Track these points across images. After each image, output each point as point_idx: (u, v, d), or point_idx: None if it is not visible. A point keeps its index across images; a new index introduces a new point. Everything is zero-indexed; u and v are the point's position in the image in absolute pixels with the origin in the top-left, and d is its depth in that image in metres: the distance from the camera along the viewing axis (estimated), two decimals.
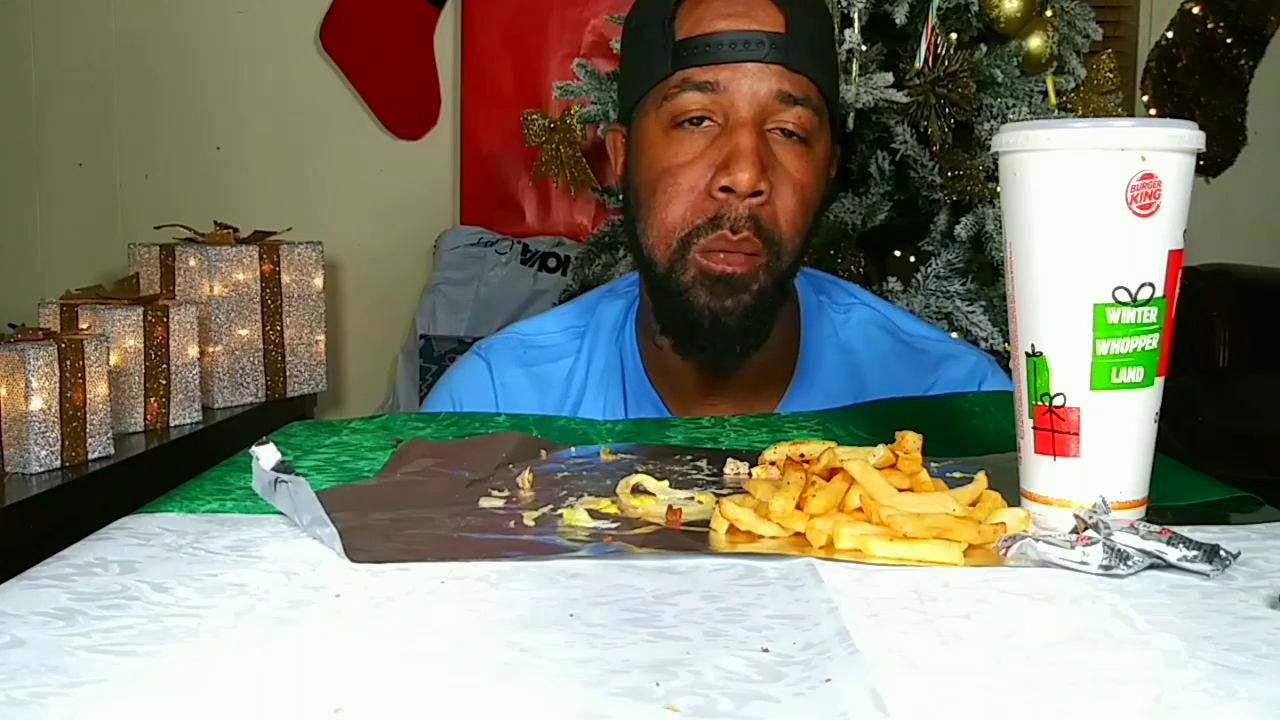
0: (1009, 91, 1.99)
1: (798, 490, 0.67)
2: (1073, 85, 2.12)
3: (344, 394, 3.42)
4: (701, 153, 1.04)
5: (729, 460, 0.84)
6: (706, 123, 1.04)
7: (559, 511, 0.71)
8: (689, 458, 0.87)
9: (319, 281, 2.59)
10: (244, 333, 2.46)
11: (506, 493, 0.76)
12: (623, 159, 1.14)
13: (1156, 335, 0.67)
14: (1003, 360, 1.42)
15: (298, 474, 0.68)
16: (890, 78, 1.90)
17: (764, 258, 1.04)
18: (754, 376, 1.13)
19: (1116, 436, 0.67)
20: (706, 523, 0.69)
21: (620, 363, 1.17)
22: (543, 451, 0.88)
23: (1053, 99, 2.03)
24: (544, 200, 3.37)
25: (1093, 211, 0.66)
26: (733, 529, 0.67)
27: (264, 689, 0.46)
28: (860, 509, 0.66)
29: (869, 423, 0.98)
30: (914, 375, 1.16)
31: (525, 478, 0.79)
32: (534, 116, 2.89)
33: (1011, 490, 0.70)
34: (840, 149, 1.17)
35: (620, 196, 1.17)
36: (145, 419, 2.14)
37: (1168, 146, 0.66)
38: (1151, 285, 0.66)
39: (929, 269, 1.98)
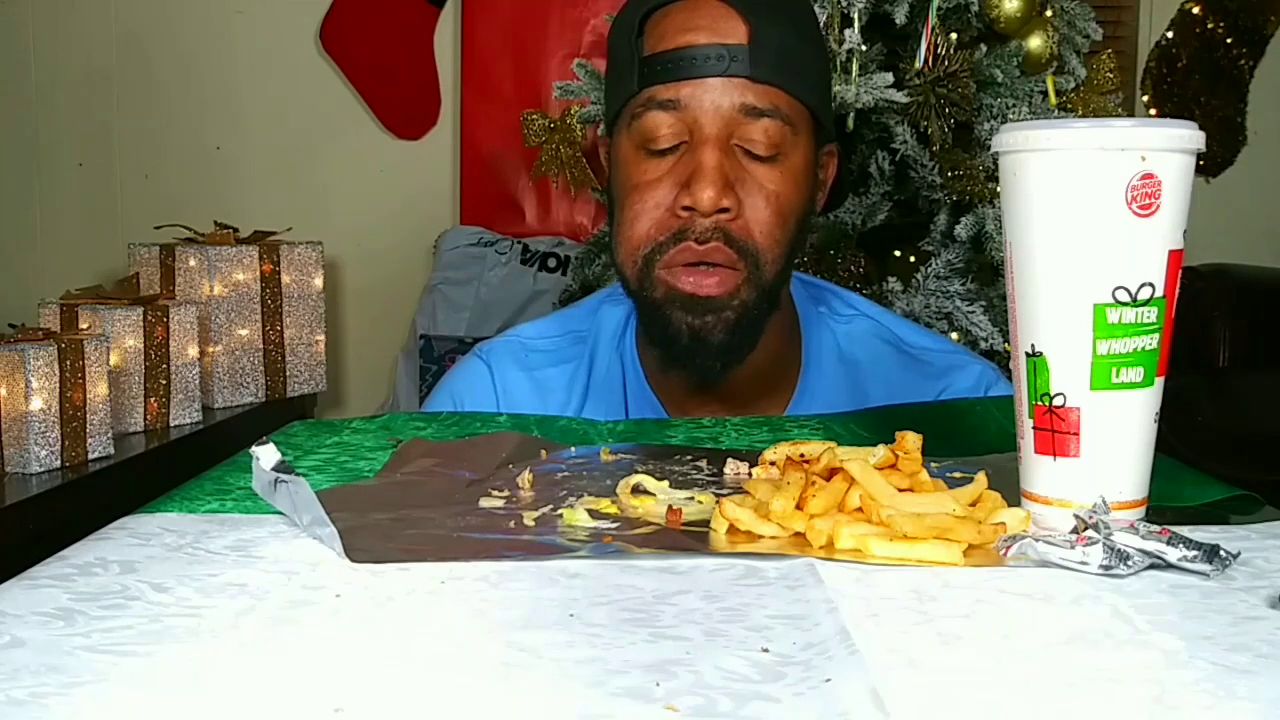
0: (1009, 91, 1.99)
1: (798, 490, 0.67)
2: (1073, 85, 2.11)
3: (344, 394, 3.42)
4: (669, 169, 1.04)
5: (729, 460, 0.84)
6: (678, 149, 1.04)
7: (559, 511, 0.71)
8: (689, 458, 0.87)
9: (319, 281, 2.59)
10: (244, 333, 2.46)
11: (506, 493, 0.76)
12: (607, 172, 1.14)
13: (1156, 335, 0.67)
14: (1004, 364, 1.42)
15: (298, 474, 0.68)
16: (890, 78, 1.90)
17: (743, 271, 1.03)
18: (756, 388, 1.13)
19: (1116, 436, 0.67)
20: (706, 523, 0.69)
21: (621, 369, 1.17)
22: (543, 451, 0.88)
23: (1053, 99, 2.03)
24: (544, 200, 3.37)
25: (1093, 211, 0.66)
26: (733, 529, 0.67)
27: (264, 689, 0.46)
28: (860, 509, 0.66)
29: (870, 422, 0.98)
30: (919, 388, 1.15)
31: (525, 478, 0.79)
32: (534, 116, 2.89)
33: (1011, 490, 0.70)
34: (841, 152, 1.16)
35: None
36: (145, 419, 2.14)
37: (1168, 146, 0.66)
38: (1151, 285, 0.66)
39: (929, 269, 1.98)
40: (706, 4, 1.04)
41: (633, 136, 1.06)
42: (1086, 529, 0.63)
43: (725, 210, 1.02)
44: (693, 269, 1.03)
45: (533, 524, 0.69)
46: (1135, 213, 0.65)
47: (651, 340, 1.10)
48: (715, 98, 1.02)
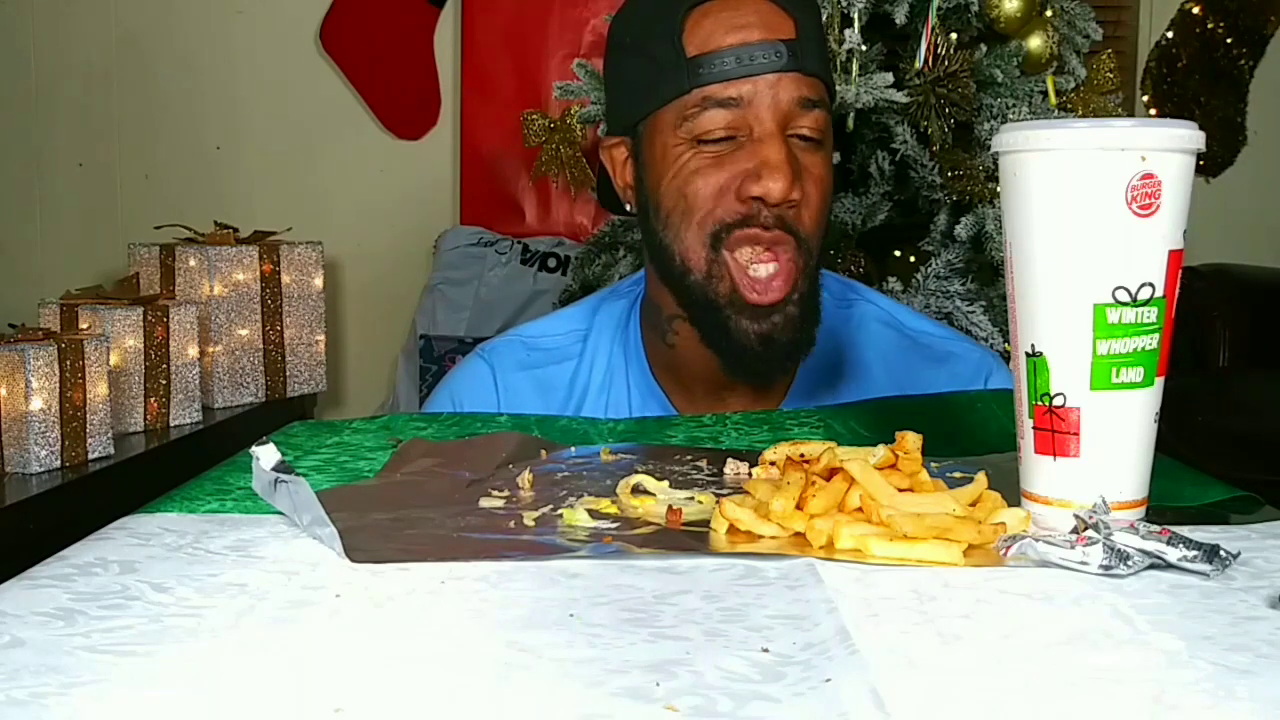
0: (1009, 91, 1.99)
1: (798, 490, 0.67)
2: (1073, 85, 2.11)
3: (344, 394, 3.42)
4: (728, 156, 1.04)
5: (729, 460, 0.84)
6: (732, 139, 1.05)
7: (559, 511, 0.71)
8: (689, 458, 0.87)
9: (319, 281, 2.59)
10: (244, 333, 2.46)
11: (506, 493, 0.76)
12: (629, 172, 1.13)
13: (1156, 335, 0.67)
14: (1003, 357, 1.42)
15: (298, 474, 0.68)
16: (890, 78, 1.90)
17: (799, 262, 1.05)
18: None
19: (1116, 436, 0.67)
20: (706, 523, 0.69)
21: (625, 362, 1.17)
22: (543, 451, 0.88)
23: (1053, 99, 2.03)
24: (544, 200, 3.37)
25: (1093, 211, 0.66)
26: (733, 529, 0.67)
27: (264, 689, 0.46)
28: (860, 509, 0.66)
29: (870, 420, 0.98)
30: (919, 371, 1.16)
31: (525, 478, 0.79)
32: (534, 116, 2.89)
33: (1011, 490, 0.70)
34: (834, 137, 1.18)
35: (629, 209, 1.16)
36: (145, 419, 2.14)
37: (1168, 146, 0.66)
38: (1151, 285, 0.66)
39: (929, 269, 1.98)
40: (748, 0, 1.05)
41: (683, 135, 1.06)
42: (1086, 529, 0.63)
43: (792, 201, 1.03)
44: (757, 261, 1.04)
45: (533, 524, 0.69)
46: (1135, 213, 0.65)
47: (716, 349, 1.09)
48: (775, 93, 1.03)
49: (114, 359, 2.04)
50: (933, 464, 0.78)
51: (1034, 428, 0.69)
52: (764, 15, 1.04)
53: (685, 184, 1.06)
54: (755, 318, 1.05)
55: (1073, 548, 0.61)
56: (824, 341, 1.17)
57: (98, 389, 1.89)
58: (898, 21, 1.93)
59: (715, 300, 1.06)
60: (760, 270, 1.04)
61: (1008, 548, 0.63)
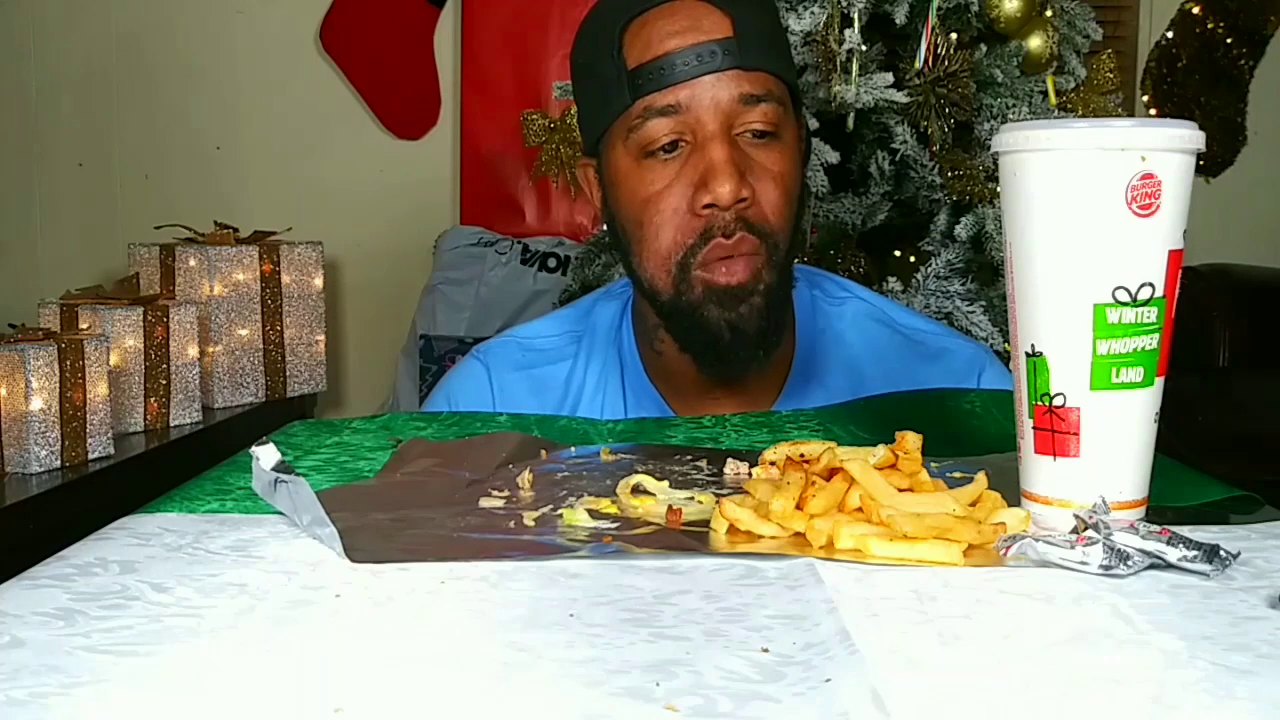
0: (1009, 91, 1.99)
1: (798, 490, 0.67)
2: (1073, 85, 2.11)
3: (344, 394, 3.42)
4: (678, 174, 1.04)
5: (729, 460, 0.84)
6: (678, 146, 1.04)
7: (559, 511, 0.71)
8: (689, 458, 0.87)
9: (319, 281, 2.59)
10: (244, 333, 2.46)
11: (506, 493, 0.76)
12: (599, 193, 1.14)
13: (1156, 335, 0.67)
14: (1002, 357, 1.42)
15: (298, 474, 0.68)
16: (890, 78, 1.90)
17: (763, 254, 1.05)
18: (753, 373, 1.13)
19: (1116, 436, 0.67)
20: (706, 523, 0.69)
21: (619, 363, 1.18)
22: (543, 451, 0.88)
23: (1053, 99, 2.03)
24: (544, 200, 3.37)
25: (1093, 211, 0.66)
26: (733, 529, 0.67)
27: (264, 689, 0.46)
28: (860, 509, 0.66)
29: (869, 421, 0.98)
30: (912, 367, 1.16)
31: (525, 478, 0.79)
32: (534, 116, 2.89)
33: (1011, 490, 0.70)
34: (808, 124, 1.18)
35: (605, 227, 1.17)
36: (145, 419, 2.14)
37: (1168, 146, 0.66)
38: (1151, 285, 0.66)
39: (929, 269, 1.98)
40: (684, 4, 1.05)
41: (631, 149, 1.06)
42: (1086, 529, 0.63)
43: (743, 200, 1.03)
44: (723, 261, 1.05)
45: (533, 524, 0.69)
46: (1135, 213, 0.65)
47: (686, 345, 1.10)
48: (714, 94, 1.03)
49: (114, 359, 2.04)
50: (933, 464, 0.78)
51: (1034, 428, 0.69)
52: (698, 18, 1.04)
53: (641, 212, 1.06)
54: (724, 305, 1.05)
55: (1073, 548, 0.61)
56: (817, 339, 1.18)
57: (98, 389, 1.89)
58: (898, 21, 1.93)
59: (687, 307, 1.06)
60: (725, 267, 1.05)
61: (1008, 548, 0.63)
